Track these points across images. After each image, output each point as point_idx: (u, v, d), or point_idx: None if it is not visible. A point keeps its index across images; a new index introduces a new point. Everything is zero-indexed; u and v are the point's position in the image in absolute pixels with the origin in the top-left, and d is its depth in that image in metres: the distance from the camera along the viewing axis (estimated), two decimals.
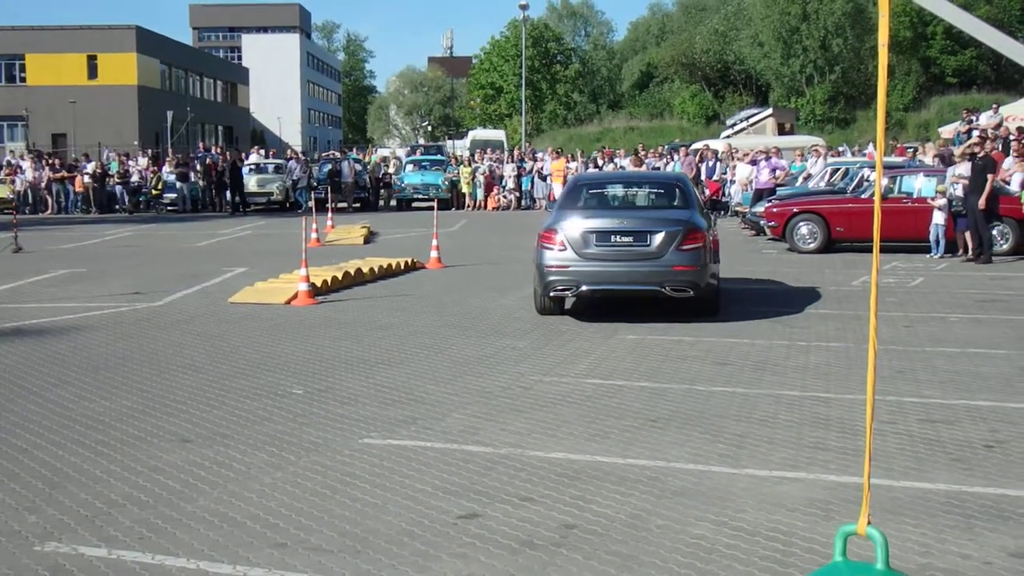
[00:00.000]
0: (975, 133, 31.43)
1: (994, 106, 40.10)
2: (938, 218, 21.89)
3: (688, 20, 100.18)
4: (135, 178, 43.40)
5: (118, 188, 42.65)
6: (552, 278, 14.39)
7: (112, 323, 14.45)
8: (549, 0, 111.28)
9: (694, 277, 14.16)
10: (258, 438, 8.37)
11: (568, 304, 15.39)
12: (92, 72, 77.85)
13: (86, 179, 42.45)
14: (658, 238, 14.13)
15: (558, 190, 39.37)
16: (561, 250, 14.32)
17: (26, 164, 44.09)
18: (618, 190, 16.78)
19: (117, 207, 42.33)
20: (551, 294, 14.62)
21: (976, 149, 21.92)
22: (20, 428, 8.73)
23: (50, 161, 44.81)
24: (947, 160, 27.59)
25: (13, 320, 14.70)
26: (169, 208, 42.14)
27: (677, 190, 15.83)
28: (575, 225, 14.44)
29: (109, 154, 45.49)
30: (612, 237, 14.29)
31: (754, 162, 32.48)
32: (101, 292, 17.67)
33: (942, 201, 21.73)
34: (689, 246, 14.13)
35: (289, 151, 54.13)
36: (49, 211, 41.90)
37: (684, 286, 14.13)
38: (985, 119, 36.42)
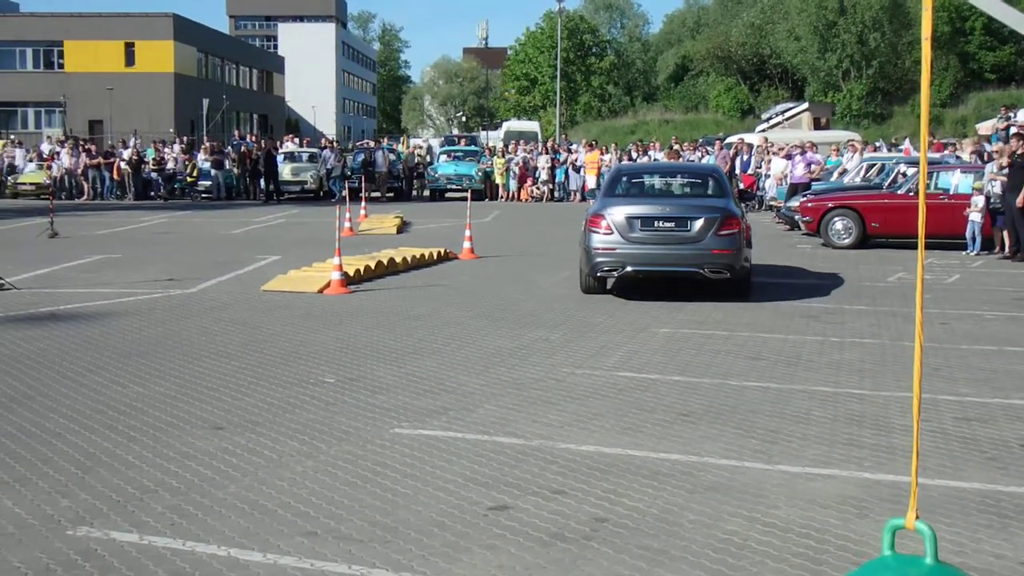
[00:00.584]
0: (1013, 130, 31.20)
1: None
2: (974, 215, 21.73)
3: (724, 13, 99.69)
4: (170, 165, 43.59)
5: (153, 175, 42.86)
6: (599, 259, 15.61)
7: (146, 309, 14.51)
8: None
9: (731, 260, 15.37)
10: (290, 426, 8.38)
11: (609, 284, 16.25)
12: (129, 59, 78.30)
13: (123, 165, 42.67)
14: (698, 224, 15.36)
15: (591, 182, 39.42)
16: (607, 233, 15.54)
17: (63, 150, 44.34)
18: (657, 179, 18.20)
19: (152, 194, 42.54)
20: (598, 274, 15.87)
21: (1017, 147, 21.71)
22: (54, 412, 8.76)
23: (87, 147, 45.05)
24: (983, 157, 27.39)
25: (48, 305, 14.77)
26: (203, 195, 42.31)
27: (712, 180, 17.26)
28: (620, 211, 15.68)
29: (136, 142, 45.58)
30: (655, 223, 15.53)
31: (789, 156, 32.31)
32: (135, 278, 17.75)
33: (979, 198, 21.57)
34: (726, 232, 15.33)
35: (324, 140, 54.23)
36: (85, 197, 42.14)
37: (722, 268, 15.35)
38: (1021, 115, 36.15)
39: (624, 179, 17.50)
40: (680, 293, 15.89)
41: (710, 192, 16.81)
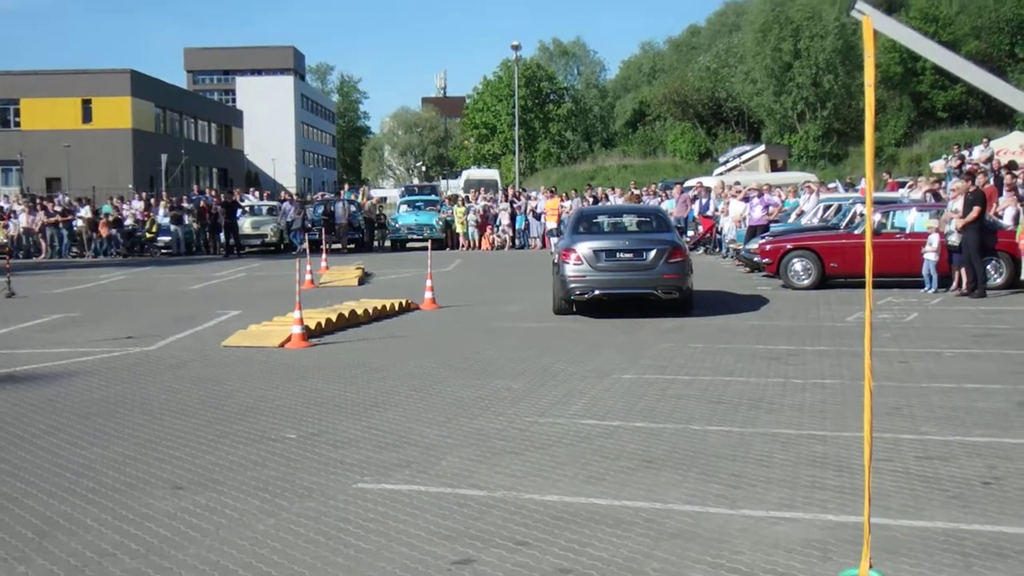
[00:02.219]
0: (966, 167, 31.52)
1: (985, 140, 40.25)
2: (929, 254, 21.91)
3: (680, 58, 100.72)
4: (129, 221, 43.38)
5: (113, 231, 42.59)
6: (572, 285, 18.93)
7: (105, 368, 14.38)
8: (540, 40, 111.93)
9: (679, 283, 18.98)
10: (251, 484, 8.30)
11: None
12: (87, 116, 78.15)
13: (80, 223, 42.44)
14: (651, 254, 18.89)
15: (554, 239, 39.62)
16: (578, 264, 18.88)
17: (20, 209, 44.06)
18: (613, 219, 21.69)
19: (111, 250, 42.26)
20: (571, 297, 19.15)
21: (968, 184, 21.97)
22: (10, 476, 8.65)
23: (44, 205, 44.80)
24: (939, 196, 27.67)
25: (5, 366, 14.63)
26: (163, 251, 42.14)
27: (657, 218, 21.27)
28: (587, 245, 19.03)
29: (71, 201, 45.37)
30: (617, 254, 19.00)
31: (747, 199, 32.53)
32: (94, 337, 17.61)
33: (934, 237, 21.76)
34: (675, 260, 18.96)
35: (283, 193, 54.19)
36: (43, 255, 41.84)
37: (672, 290, 18.95)
38: (977, 153, 36.54)
39: (587, 219, 21.03)
40: (639, 311, 19.23)
41: (657, 228, 20.34)
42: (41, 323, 19.82)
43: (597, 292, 18.90)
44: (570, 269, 18.91)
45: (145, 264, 37.50)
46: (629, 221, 21.43)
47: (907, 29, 4.90)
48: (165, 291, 26.30)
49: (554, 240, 40.61)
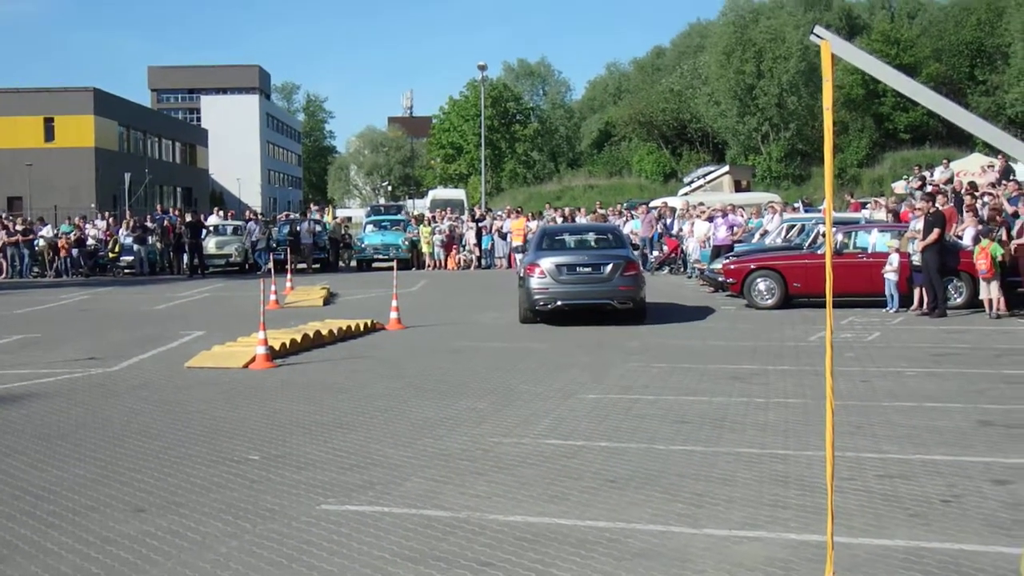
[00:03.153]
0: (928, 188, 31.79)
1: (944, 161, 40.66)
2: (890, 273, 22.07)
3: (645, 79, 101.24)
4: (91, 241, 43.13)
5: (74, 251, 42.31)
6: (537, 296, 20.90)
7: (66, 390, 14.28)
8: (505, 60, 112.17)
9: (633, 294, 21.12)
10: (214, 506, 8.27)
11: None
12: (49, 135, 77.69)
13: (41, 243, 42.18)
14: (608, 268, 20.98)
15: (519, 255, 39.76)
16: (542, 277, 20.90)
17: None
18: (573, 236, 24.08)
19: (73, 271, 41.97)
20: (536, 308, 21.03)
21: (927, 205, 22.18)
22: None
23: (5, 224, 44.47)
24: (899, 216, 27.89)
25: None
26: (126, 271, 41.89)
27: (612, 235, 23.83)
28: (550, 260, 21.06)
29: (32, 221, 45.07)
30: (577, 268, 21.07)
31: (711, 219, 32.69)
32: (55, 358, 17.48)
33: (894, 256, 21.92)
34: (629, 273, 21.11)
35: (248, 212, 54.05)
36: (3, 275, 41.51)
37: (627, 300, 21.05)
38: (938, 174, 36.86)
39: (550, 236, 23.31)
40: (596, 319, 21.26)
41: (613, 244, 22.60)
42: (1, 344, 19.67)
43: (559, 303, 20.88)
44: (535, 282, 20.92)
45: (108, 284, 37.27)
46: (588, 238, 23.79)
47: (865, 54, 4.96)
48: (128, 312, 26.15)
49: (519, 256, 40.81)
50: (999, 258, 20.75)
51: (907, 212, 25.72)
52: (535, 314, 21.26)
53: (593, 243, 23.22)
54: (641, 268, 22.31)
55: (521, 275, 21.68)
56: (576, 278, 20.95)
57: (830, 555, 5.75)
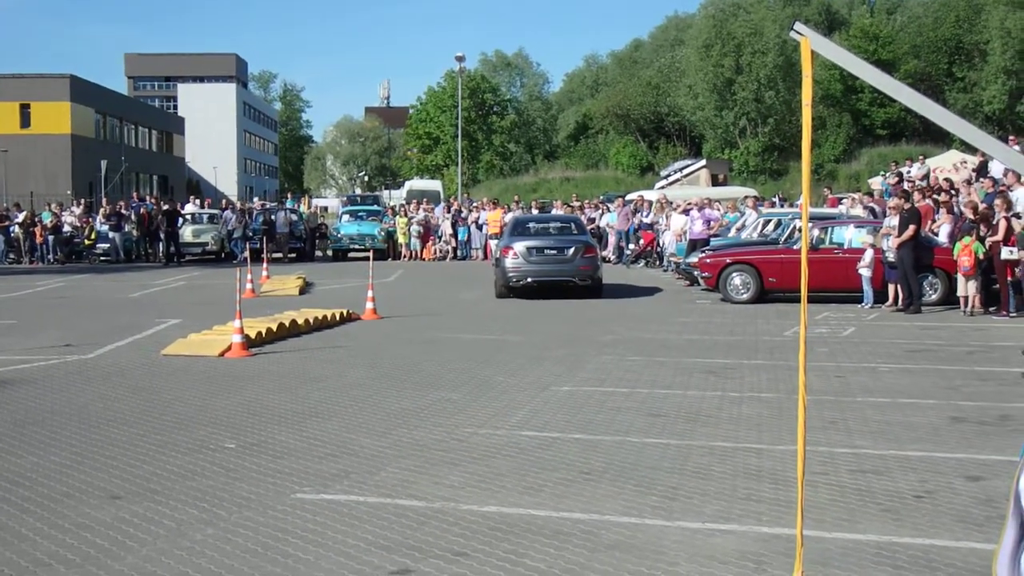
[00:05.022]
0: (905, 184, 31.94)
1: (920, 158, 40.80)
2: (863, 269, 22.17)
3: (623, 72, 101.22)
4: (67, 228, 42.91)
5: (51, 238, 42.10)
6: (511, 274, 24.96)
7: (41, 376, 14.24)
8: (483, 52, 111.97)
9: (591, 273, 25.34)
10: (189, 493, 8.28)
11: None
12: (25, 121, 77.18)
13: (16, 229, 41.97)
14: (571, 251, 25.23)
15: (494, 241, 39.85)
16: (515, 258, 25.00)
17: None
18: (541, 224, 27.99)
19: (49, 258, 41.79)
20: (510, 284, 25.01)
21: (902, 202, 22.27)
22: None
23: None
24: (874, 212, 28.01)
25: None
26: (102, 258, 41.71)
27: (574, 224, 28.15)
28: (522, 244, 25.19)
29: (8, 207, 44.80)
30: (544, 251, 25.33)
31: (688, 212, 32.77)
32: (31, 345, 17.42)
33: (868, 252, 22.03)
34: (588, 255, 25.39)
35: (224, 201, 53.88)
36: None
37: (586, 278, 25.20)
38: (914, 171, 37.02)
39: (521, 224, 27.37)
40: (562, 295, 25.05)
41: (574, 231, 26.89)
42: None
43: (530, 279, 24.92)
44: (509, 262, 25.01)
45: (83, 271, 37.12)
46: (553, 226, 27.68)
47: (844, 51, 5.00)
48: (104, 299, 26.06)
49: (494, 243, 40.95)
50: (981, 256, 20.82)
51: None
52: (509, 290, 25.21)
53: (558, 231, 27.01)
54: (598, 251, 26.78)
55: (497, 256, 25.68)
56: (544, 259, 25.10)
57: (800, 549, 5.81)
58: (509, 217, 33.98)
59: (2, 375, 14.37)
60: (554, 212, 42.50)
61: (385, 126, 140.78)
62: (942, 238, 23.06)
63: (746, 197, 37.93)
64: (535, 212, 41.95)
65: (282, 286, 28.08)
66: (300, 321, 18.92)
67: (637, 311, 22.57)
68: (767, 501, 7.95)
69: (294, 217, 44.77)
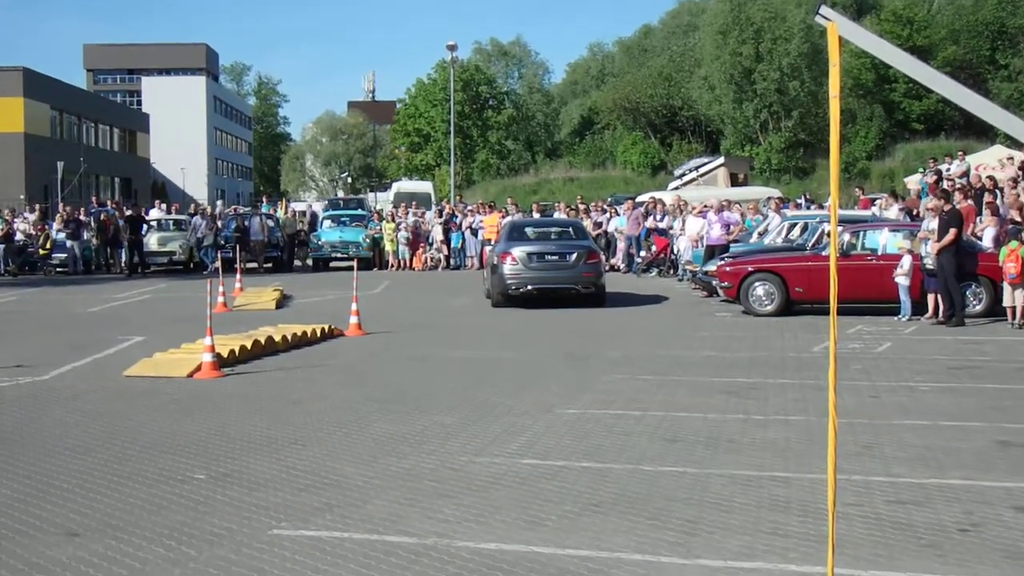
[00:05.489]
0: (944, 183, 31.91)
1: (960, 154, 40.74)
2: (901, 277, 22.13)
3: (631, 62, 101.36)
4: (19, 236, 42.88)
5: (1, 248, 41.99)
6: (510, 281, 25.64)
7: None
8: (476, 40, 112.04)
9: (595, 280, 26.22)
10: (155, 529, 8.24)
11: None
12: None
13: None
14: (573, 256, 26.13)
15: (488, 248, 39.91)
16: (513, 264, 25.71)
17: None
18: (540, 229, 28.96)
19: (0, 269, 41.70)
20: (509, 292, 25.64)
21: (941, 203, 22.22)
22: None
23: None
24: (912, 214, 27.97)
25: None
26: (58, 269, 41.66)
27: (575, 228, 29.15)
28: (521, 249, 25.93)
29: None
30: (545, 256, 26.12)
31: (704, 215, 32.74)
32: None
33: (906, 259, 21.99)
34: (591, 261, 26.35)
35: (193, 205, 53.91)
36: None
37: (589, 285, 26.06)
38: (953, 168, 37.01)
39: (519, 229, 28.33)
40: (562, 304, 25.65)
41: (575, 236, 27.64)
42: None
43: (530, 287, 25.65)
44: (507, 269, 25.69)
45: (38, 284, 37.12)
46: (553, 231, 28.60)
47: (875, 36, 4.98)
48: (60, 314, 26.04)
49: (488, 248, 40.96)
50: None
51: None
52: (506, 299, 25.82)
53: (558, 235, 27.85)
54: (601, 257, 28.13)
55: (494, 263, 26.29)
56: (545, 265, 25.94)
57: None
58: (505, 221, 34.28)
59: None
60: (556, 216, 42.49)
61: (370, 122, 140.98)
62: (986, 243, 23.03)
63: (769, 198, 37.95)
64: (535, 216, 41.94)
65: (257, 299, 28.05)
66: (277, 338, 18.89)
67: (649, 325, 22.55)
68: (795, 536, 7.91)
69: (270, 223, 44.72)
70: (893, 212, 31.01)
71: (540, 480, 9.63)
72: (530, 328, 22.12)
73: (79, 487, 9.56)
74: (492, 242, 34.74)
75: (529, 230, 28.35)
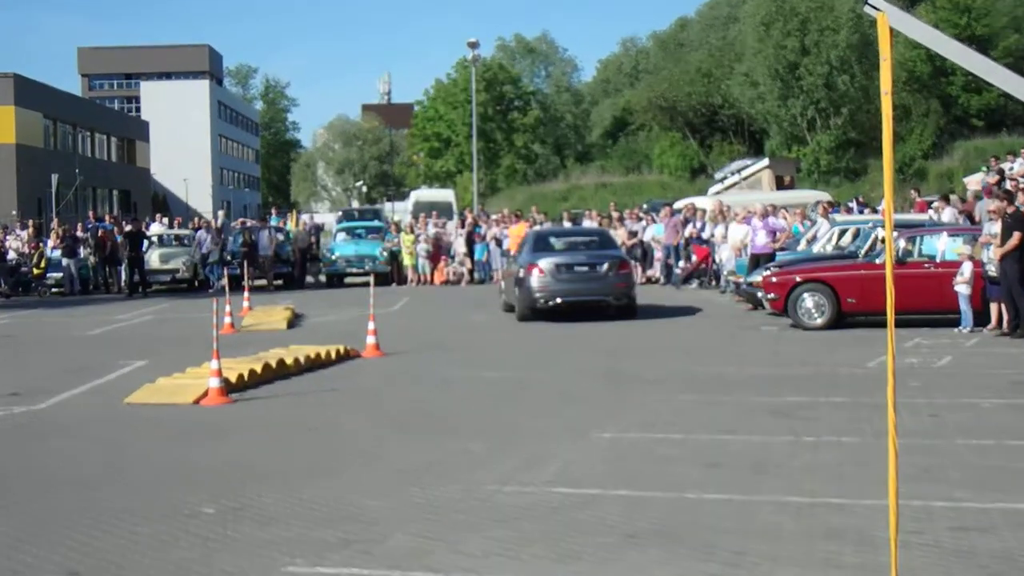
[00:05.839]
0: (1007, 183, 31.78)
1: (1023, 151, 40.52)
2: (961, 286, 22.05)
3: (667, 57, 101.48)
4: (12, 255, 43.10)
5: None
6: (538, 294, 26.28)
7: None
8: (500, 36, 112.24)
9: (627, 291, 27.04)
10: (161, 568, 8.28)
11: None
12: None
13: None
14: (604, 267, 26.76)
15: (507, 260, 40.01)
16: (542, 276, 26.29)
17: None
18: (566, 238, 29.75)
19: None
20: (537, 305, 26.31)
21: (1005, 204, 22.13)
22: None
23: None
24: (973, 218, 27.85)
25: None
26: (54, 290, 41.85)
27: (602, 236, 30.43)
28: (549, 260, 26.59)
29: None
30: (574, 267, 26.76)
31: (748, 222, 32.69)
32: None
33: (966, 266, 21.92)
34: (623, 271, 27.22)
35: (198, 219, 54.11)
36: None
37: (622, 296, 26.75)
38: (1018, 166, 36.83)
39: (544, 239, 29.07)
40: (591, 316, 26.13)
41: (603, 245, 28.59)
42: None
43: (559, 300, 26.25)
44: (535, 281, 26.31)
45: (32, 306, 37.30)
46: (579, 240, 29.53)
47: (928, 27, 5.00)
48: (57, 338, 26.18)
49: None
50: None
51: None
52: (533, 312, 26.48)
53: (586, 244, 28.86)
54: (632, 267, 29.64)
55: (520, 275, 26.77)
56: (574, 276, 26.59)
57: None
58: (528, 231, 34.81)
59: None
60: (585, 224, 42.48)
61: (386, 127, 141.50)
62: None
63: (817, 202, 37.82)
64: (566, 224, 41.91)
65: (267, 319, 28.14)
66: (289, 360, 18.94)
67: (690, 341, 22.54)
68: (850, 567, 7.90)
69: (280, 237, 44.87)
70: (947, 216, 30.90)
71: (573, 510, 9.64)
72: (560, 345, 22.14)
73: (79, 523, 9.60)
74: (511, 253, 34.89)
75: (554, 240, 29.04)
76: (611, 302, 26.56)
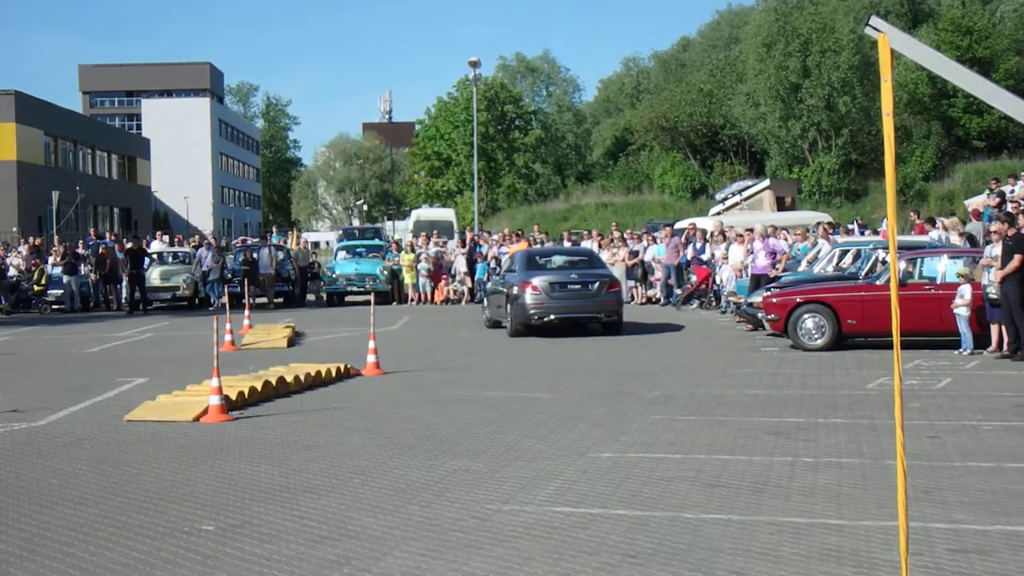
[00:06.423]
0: (1008, 205, 31.81)
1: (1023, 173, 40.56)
2: (960, 308, 22.07)
3: (668, 77, 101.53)
4: (12, 272, 43.12)
5: None
6: (532, 311, 27.62)
7: None
8: (501, 55, 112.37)
9: (617, 308, 28.48)
10: None
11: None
12: None
13: None
14: (595, 285, 28.15)
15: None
16: (535, 293, 27.62)
17: None
18: (556, 258, 31.06)
19: None
20: (531, 322, 27.68)
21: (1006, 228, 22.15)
22: None
23: None
24: (973, 240, 27.89)
25: None
26: (54, 307, 41.88)
27: (592, 256, 32.38)
28: (543, 279, 28.00)
29: None
30: (568, 286, 28.20)
31: (749, 243, 32.72)
32: None
33: (965, 288, 21.93)
34: (613, 290, 28.63)
35: (198, 237, 54.12)
36: None
37: (612, 314, 28.25)
38: (1019, 189, 36.87)
39: (534, 258, 30.30)
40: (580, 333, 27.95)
41: (592, 264, 30.33)
42: None
43: (552, 316, 27.65)
44: (529, 298, 27.62)
45: (32, 323, 37.31)
46: (569, 260, 30.82)
47: (929, 49, 5.03)
48: (56, 355, 26.18)
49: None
50: None
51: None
52: (527, 328, 27.84)
53: (575, 264, 30.23)
54: (621, 286, 31.30)
55: (513, 293, 27.97)
56: (568, 294, 28.04)
57: None
58: (518, 251, 34.47)
59: None
60: (584, 245, 42.61)
61: (387, 145, 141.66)
62: None
63: (818, 224, 37.92)
64: (567, 244, 42.20)
65: (267, 337, 28.15)
66: (289, 378, 18.95)
67: (690, 361, 22.55)
68: None
69: (280, 255, 44.88)
70: (954, 237, 30.95)
71: (573, 529, 9.65)
72: (560, 364, 22.15)
73: (79, 541, 9.61)
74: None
75: (545, 259, 30.40)
76: (602, 319, 28.24)
